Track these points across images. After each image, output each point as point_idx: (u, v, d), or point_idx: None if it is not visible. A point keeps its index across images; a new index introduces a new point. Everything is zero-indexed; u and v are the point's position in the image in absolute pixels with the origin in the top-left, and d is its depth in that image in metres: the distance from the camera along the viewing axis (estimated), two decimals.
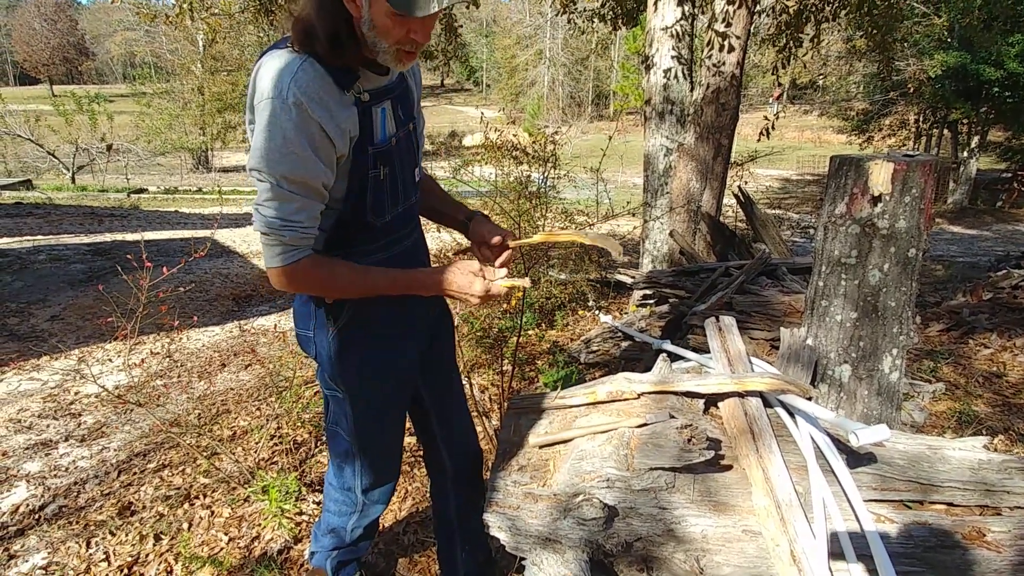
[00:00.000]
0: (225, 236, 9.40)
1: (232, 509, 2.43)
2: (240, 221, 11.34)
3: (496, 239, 1.54)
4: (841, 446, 1.58)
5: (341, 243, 1.35)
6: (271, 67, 1.14)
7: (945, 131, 17.69)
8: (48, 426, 3.37)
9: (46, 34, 51.99)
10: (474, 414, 2.93)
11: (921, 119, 18.49)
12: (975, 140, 16.22)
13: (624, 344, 3.55)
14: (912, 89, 15.48)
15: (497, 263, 1.51)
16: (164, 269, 2.38)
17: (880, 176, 1.79)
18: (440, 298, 1.65)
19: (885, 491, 1.59)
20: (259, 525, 2.31)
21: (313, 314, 1.44)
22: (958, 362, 3.69)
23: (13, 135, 22.23)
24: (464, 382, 3.05)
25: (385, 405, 1.58)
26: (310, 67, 1.14)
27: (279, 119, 1.12)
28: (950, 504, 1.57)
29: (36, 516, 2.52)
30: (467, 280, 1.34)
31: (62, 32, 53.54)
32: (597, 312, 4.23)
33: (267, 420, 3.14)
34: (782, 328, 2.06)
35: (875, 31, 5.57)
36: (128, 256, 2.71)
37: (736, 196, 4.54)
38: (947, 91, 14.69)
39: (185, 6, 5.44)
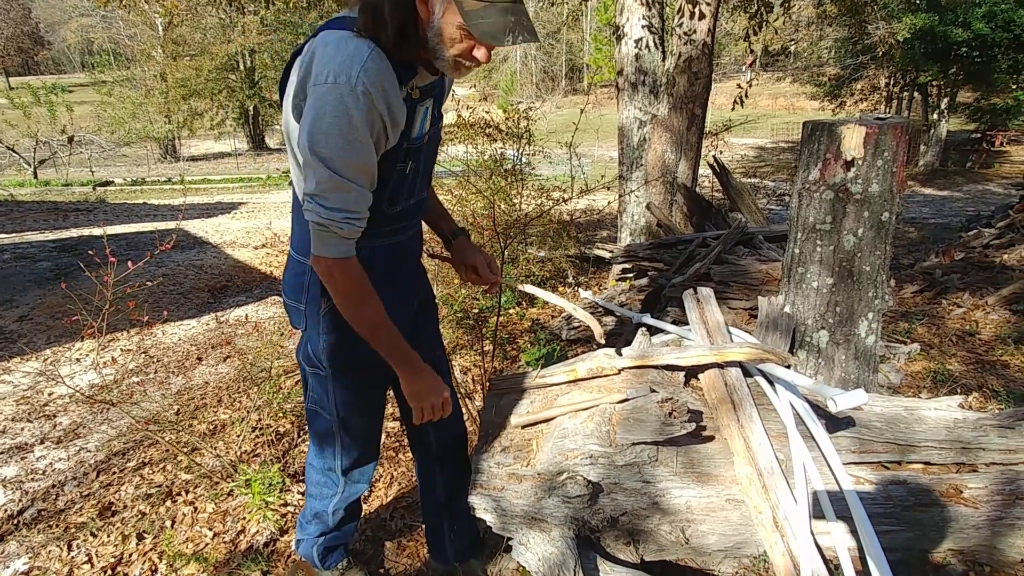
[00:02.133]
0: (196, 227, 9.20)
1: (216, 504, 2.40)
2: (211, 211, 11.11)
3: (478, 262, 1.64)
4: (821, 411, 1.60)
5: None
6: (338, 49, 1.13)
7: (915, 94, 17.86)
8: (23, 429, 3.29)
9: None
10: (457, 396, 2.93)
11: (892, 82, 18.63)
12: (944, 102, 16.41)
13: (605, 319, 3.55)
14: (882, 52, 15.56)
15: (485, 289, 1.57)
16: (130, 264, 2.30)
17: (853, 140, 1.79)
18: (425, 281, 1.69)
19: (864, 453, 1.61)
20: (244, 519, 2.28)
21: (306, 287, 1.42)
22: (932, 322, 3.75)
23: None
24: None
25: (369, 384, 1.58)
26: (379, 57, 1.15)
27: (347, 105, 1.12)
28: (927, 463, 1.60)
29: (15, 521, 2.46)
30: (438, 387, 1.45)
31: (15, 22, 51.33)
32: (577, 288, 4.23)
33: (247, 412, 3.10)
34: (760, 297, 2.06)
35: None
36: (90, 252, 2.62)
37: (711, 166, 4.53)
38: (916, 53, 14.79)
39: None
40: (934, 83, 16.24)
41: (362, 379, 1.55)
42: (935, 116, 16.67)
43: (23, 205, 11.20)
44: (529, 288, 1.74)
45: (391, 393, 1.73)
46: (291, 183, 1.40)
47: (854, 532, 1.44)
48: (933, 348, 3.31)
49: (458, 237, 1.70)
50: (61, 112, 22.43)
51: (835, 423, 1.62)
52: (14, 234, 8.02)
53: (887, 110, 19.28)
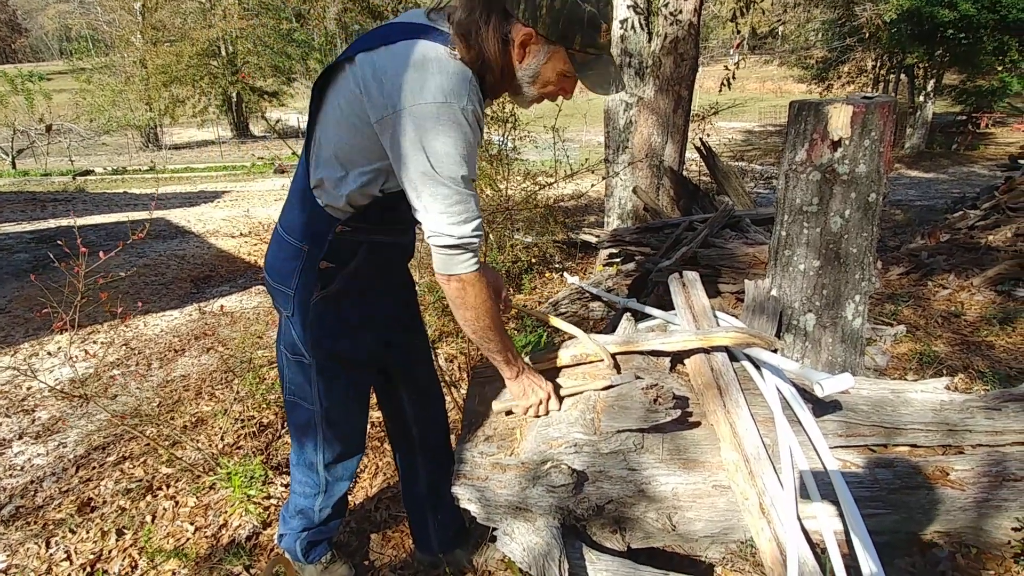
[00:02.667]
0: (179, 216, 9.05)
1: (198, 498, 2.36)
2: (194, 199, 10.94)
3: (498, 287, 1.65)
4: (807, 396, 1.58)
5: (364, 221, 1.36)
6: (444, 69, 1.16)
7: (902, 76, 17.86)
8: (0, 424, 3.22)
9: None
10: (441, 384, 2.89)
11: (878, 64, 18.62)
12: (931, 84, 16.42)
13: (592, 304, 3.52)
14: (869, 34, 15.52)
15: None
16: (101, 254, 2.24)
17: (839, 120, 1.76)
18: (406, 267, 1.68)
19: (851, 437, 1.59)
20: (226, 512, 2.25)
21: (298, 272, 1.39)
22: (918, 304, 3.76)
23: None
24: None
25: (354, 375, 1.55)
26: (476, 86, 1.20)
27: (463, 126, 1.17)
28: (914, 446, 1.59)
29: None
30: (541, 394, 1.52)
31: None
32: (564, 274, 4.19)
33: (230, 404, 3.05)
34: (747, 280, 2.04)
35: None
36: (60, 242, 2.54)
37: (698, 149, 4.49)
38: (903, 35, 14.76)
39: None
40: (920, 65, 16.24)
41: (347, 371, 1.51)
42: (921, 98, 16.68)
43: (1, 196, 10.96)
44: (557, 322, 1.79)
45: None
46: (299, 168, 1.39)
47: (841, 516, 1.43)
48: (919, 330, 3.32)
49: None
50: (39, 100, 21.94)
51: (822, 407, 1.61)
52: None
53: (874, 92, 19.27)
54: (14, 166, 18.62)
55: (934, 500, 1.50)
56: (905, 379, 2.74)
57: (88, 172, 17.23)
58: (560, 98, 1.38)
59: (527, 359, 1.78)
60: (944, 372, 2.78)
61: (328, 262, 1.38)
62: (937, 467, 1.51)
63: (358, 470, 2.44)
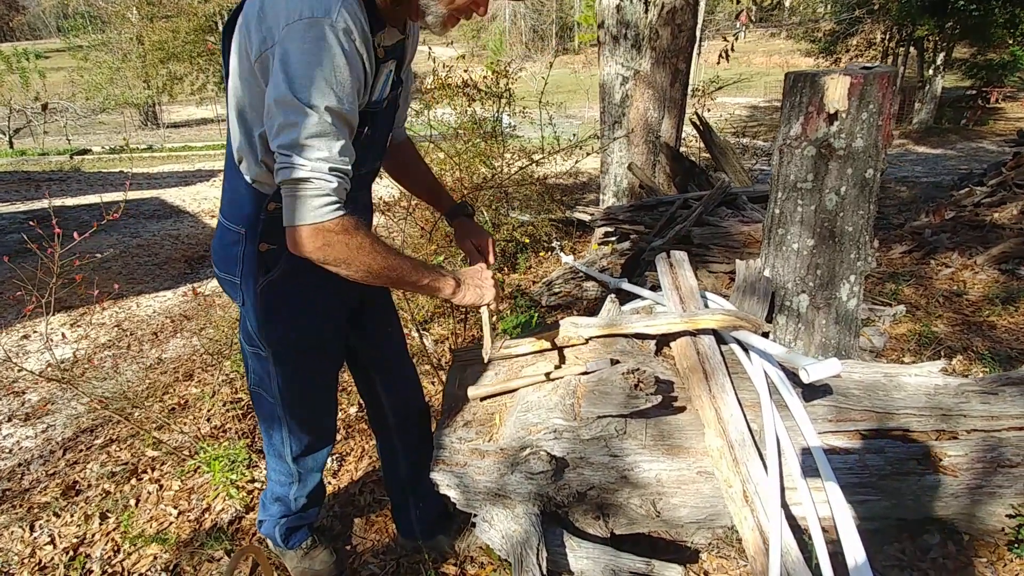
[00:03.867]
0: (174, 195, 8.97)
1: (182, 481, 2.34)
2: (189, 178, 10.84)
3: (482, 243, 1.53)
4: (797, 380, 1.52)
5: None
6: None
7: (911, 49, 17.48)
8: None
9: None
10: (428, 368, 2.85)
11: (888, 37, 18.21)
12: (940, 58, 16.07)
13: (587, 284, 3.46)
14: (878, 6, 15.15)
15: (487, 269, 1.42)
16: (76, 235, 2.18)
17: (836, 91, 1.67)
18: None
19: (841, 422, 1.54)
20: (209, 496, 2.22)
21: (240, 259, 1.28)
22: (919, 283, 3.69)
23: None
24: (416, 335, 2.95)
25: (314, 365, 1.47)
26: (352, 3, 1.03)
27: (329, 42, 0.99)
28: (906, 431, 1.54)
29: None
30: (479, 288, 1.33)
31: None
32: (559, 252, 4.13)
33: (218, 386, 3.02)
34: (737, 260, 1.97)
35: None
36: (32, 223, 2.49)
37: (695, 124, 4.38)
38: (913, 7, 14.40)
39: None
40: (930, 38, 15.88)
41: (306, 360, 1.43)
42: (930, 72, 16.34)
43: None
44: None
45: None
46: (228, 146, 1.26)
47: (828, 503, 1.39)
48: (919, 310, 3.25)
49: (457, 218, 1.59)
50: (34, 79, 21.73)
51: (812, 391, 1.55)
52: None
53: (874, 63, 18.81)
54: (11, 145, 18.51)
55: (926, 486, 1.46)
56: (902, 361, 2.69)
57: (86, 151, 17.13)
58: (476, 15, 1.17)
59: (507, 341, 1.73)
60: (943, 354, 2.72)
61: (267, 243, 1.26)
62: (930, 452, 1.46)
63: (345, 452, 2.41)
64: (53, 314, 2.54)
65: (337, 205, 1.05)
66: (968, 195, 4.84)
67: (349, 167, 1.06)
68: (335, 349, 1.52)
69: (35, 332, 4.17)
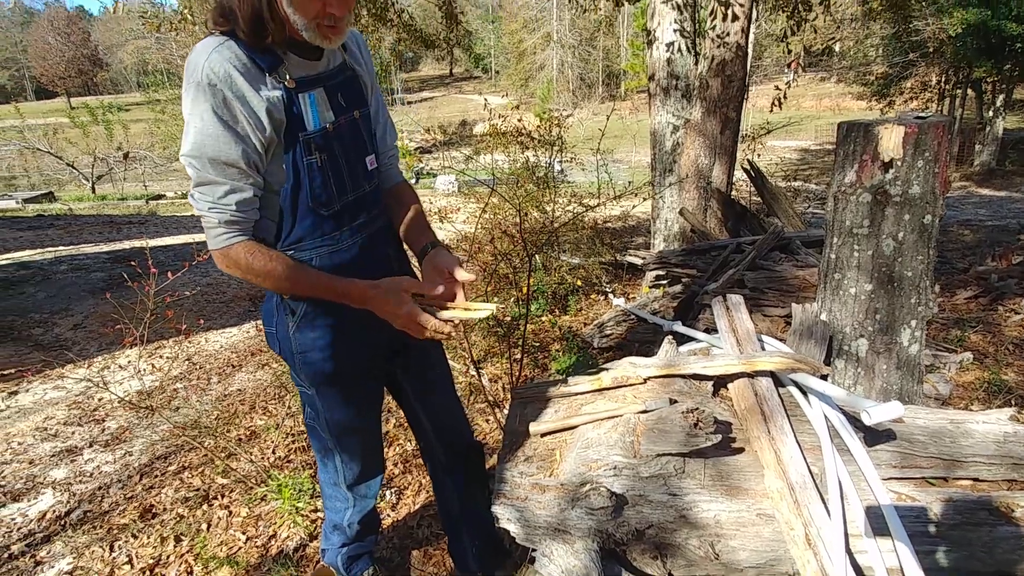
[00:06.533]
0: None
1: (249, 508, 2.45)
2: None
3: (451, 271, 1.38)
4: (858, 424, 1.52)
5: (293, 239, 1.31)
6: (193, 51, 1.15)
7: (969, 91, 17.10)
8: (73, 433, 3.43)
9: (60, 48, 52.84)
10: (483, 405, 2.92)
11: (943, 79, 17.89)
12: (1000, 99, 15.65)
13: (638, 327, 3.49)
14: (932, 49, 14.97)
15: (445, 312, 1.33)
16: (169, 274, 2.38)
17: (891, 141, 1.71)
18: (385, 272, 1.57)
19: (906, 468, 1.53)
20: (275, 523, 2.32)
21: (275, 310, 1.40)
22: (987, 330, 3.56)
23: (33, 149, 22.67)
24: (474, 372, 3.04)
25: (355, 397, 1.53)
26: (226, 48, 1.13)
27: (198, 102, 1.12)
28: (976, 479, 1.51)
29: (62, 522, 2.57)
30: (394, 301, 1.25)
31: (76, 45, 54.36)
32: (610, 295, 4.17)
33: (282, 419, 3.16)
34: (794, 303, 1.99)
35: None
36: (131, 262, 2.72)
37: (746, 170, 4.42)
38: (969, 49, 14.17)
39: (185, 11, 5.45)
40: (988, 79, 15.52)
41: (346, 392, 1.50)
42: (990, 113, 15.91)
43: (80, 218, 11.77)
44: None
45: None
46: None
47: (894, 551, 1.37)
48: (987, 357, 3.14)
49: (435, 248, 1.46)
50: (117, 130, 23.56)
51: (874, 436, 1.55)
52: (72, 246, 8.43)
53: (939, 108, 18.49)
54: (93, 191, 19.99)
55: (997, 538, 1.42)
56: (970, 409, 2.60)
57: (160, 196, 18.32)
58: (335, 20, 1.18)
59: (567, 379, 1.79)
60: (1012, 403, 2.62)
61: None
62: (1001, 503, 1.43)
63: (403, 486, 2.49)
64: (144, 346, 2.74)
65: (229, 234, 1.21)
66: None
67: (236, 207, 1.20)
68: (373, 382, 1.57)
69: (115, 363, 4.46)
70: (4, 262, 7.38)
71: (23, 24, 59.87)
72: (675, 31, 3.96)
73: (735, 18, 3.70)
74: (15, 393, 4.03)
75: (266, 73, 1.18)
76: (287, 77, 1.21)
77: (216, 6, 1.18)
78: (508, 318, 3.84)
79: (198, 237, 9.22)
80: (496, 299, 3.72)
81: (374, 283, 1.28)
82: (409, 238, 1.53)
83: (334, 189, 1.32)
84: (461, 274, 1.37)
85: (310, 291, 1.30)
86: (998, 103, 15.69)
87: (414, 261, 1.58)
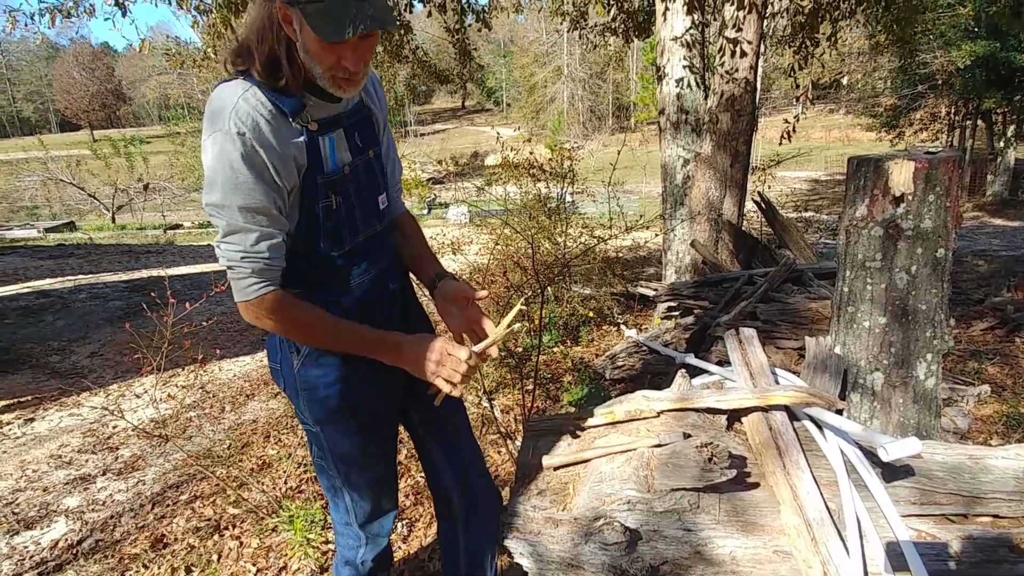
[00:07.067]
0: None
1: (260, 539, 2.45)
2: None
3: (468, 295, 1.44)
4: (875, 459, 1.51)
5: (301, 279, 1.28)
6: (216, 98, 1.15)
7: (979, 122, 17.15)
8: (87, 460, 3.45)
9: (85, 82, 54.58)
10: (495, 436, 2.91)
11: (953, 111, 17.96)
12: (1011, 129, 15.67)
13: (650, 358, 3.48)
14: (941, 81, 15.08)
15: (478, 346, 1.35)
16: (187, 304, 2.43)
17: (901, 176, 1.73)
18: (428, 322, 1.61)
19: (925, 505, 1.51)
20: (286, 555, 2.31)
21: (279, 347, 1.37)
22: (1004, 362, 3.52)
23: (56, 180, 23.28)
24: (486, 404, 3.03)
25: (361, 437, 1.47)
26: (252, 96, 1.13)
27: (226, 151, 1.11)
28: (996, 516, 1.48)
29: (74, 551, 2.57)
30: (426, 345, 1.28)
31: (100, 79, 56.16)
32: (622, 326, 4.17)
33: (295, 448, 3.16)
34: (807, 337, 1.99)
35: (895, 25, 5.45)
36: (151, 294, 2.78)
37: (757, 203, 4.45)
38: (978, 81, 14.26)
39: (209, 50, 5.63)
40: (998, 110, 15.57)
41: (352, 430, 1.44)
42: (1001, 144, 15.91)
43: (100, 248, 12.00)
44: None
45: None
46: None
47: None
48: (1005, 390, 3.09)
49: (444, 279, 1.51)
50: (138, 162, 24.16)
51: (892, 472, 1.53)
52: (91, 275, 8.58)
53: (949, 139, 18.52)
54: (113, 221, 20.41)
55: (1019, 575, 1.39)
56: (989, 443, 2.56)
57: (177, 226, 18.64)
58: (349, 74, 1.17)
59: (580, 412, 1.79)
60: None
61: None
62: (1022, 539, 1.40)
63: (414, 518, 2.47)
64: (162, 372, 2.78)
65: (262, 284, 1.19)
66: None
67: (268, 252, 1.18)
68: (383, 419, 1.51)
69: (130, 391, 4.50)
70: (25, 290, 7.52)
71: (48, 59, 62.01)
72: (684, 67, 4.04)
73: (743, 55, 3.78)
74: (31, 420, 4.07)
75: (290, 117, 1.18)
76: (309, 119, 1.21)
77: (235, 46, 1.18)
78: (520, 349, 3.85)
79: (214, 266, 9.37)
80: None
81: (414, 339, 1.30)
82: (416, 269, 1.56)
83: (347, 231, 1.32)
84: (478, 294, 1.42)
85: (345, 344, 1.28)
86: (1009, 133, 15.71)
87: (420, 291, 1.59)
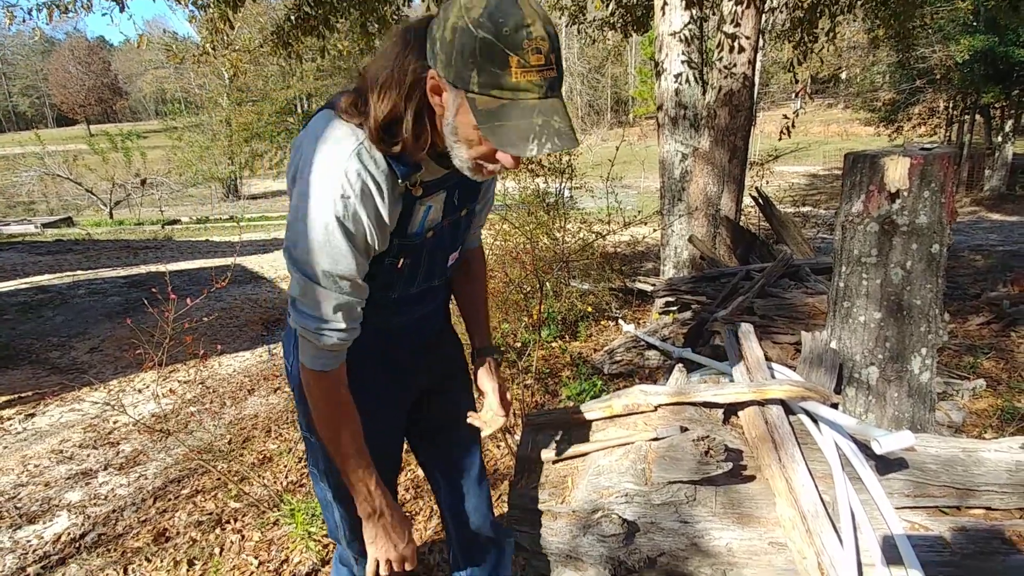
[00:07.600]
0: (253, 262, 9.61)
1: (262, 533, 2.47)
2: (267, 247, 11.60)
3: (488, 388, 1.48)
4: (870, 452, 1.53)
5: None
6: (323, 143, 1.00)
7: (977, 116, 17.16)
8: (88, 455, 3.47)
9: (81, 76, 54.27)
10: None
11: (951, 105, 17.98)
12: (1009, 124, 15.70)
13: (648, 353, 3.51)
14: (940, 76, 15.08)
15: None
16: (188, 300, 2.44)
17: (897, 172, 1.75)
18: (447, 346, 1.53)
19: (919, 497, 1.53)
20: (287, 548, 2.33)
21: (293, 348, 1.24)
22: (1000, 356, 3.54)
23: (53, 175, 23.23)
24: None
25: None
26: (366, 154, 0.99)
27: (324, 208, 0.99)
28: (989, 508, 1.51)
29: (76, 545, 2.59)
30: (403, 534, 1.24)
31: (96, 74, 55.83)
32: (620, 321, 4.20)
33: (295, 443, 3.18)
34: (803, 331, 2.01)
35: (893, 19, 5.45)
36: (152, 289, 2.79)
37: (754, 198, 4.46)
38: (976, 75, 14.27)
39: (208, 46, 5.62)
40: (996, 105, 15.59)
41: None
42: (999, 139, 15.94)
43: (98, 243, 12.00)
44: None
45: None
46: None
47: None
48: (1001, 384, 3.12)
49: (482, 357, 1.49)
50: (135, 157, 24.11)
51: (887, 465, 1.55)
52: (90, 271, 8.58)
53: (947, 133, 18.54)
54: (111, 216, 20.37)
55: (1011, 567, 1.41)
56: (983, 437, 2.58)
57: (175, 221, 18.62)
58: (507, 168, 1.02)
59: (578, 406, 1.81)
60: None
61: None
62: (1014, 531, 1.43)
63: (414, 511, 2.49)
64: (164, 368, 2.79)
65: (324, 360, 1.10)
66: None
67: (343, 323, 1.08)
68: (380, 442, 1.33)
69: (130, 387, 4.52)
70: (24, 286, 7.52)
71: (44, 53, 61.63)
72: (683, 62, 4.04)
73: (741, 50, 3.78)
74: (32, 415, 4.09)
75: (399, 180, 1.04)
76: (417, 182, 1.08)
77: (352, 92, 1.03)
78: (519, 344, 3.86)
79: (213, 262, 9.38)
80: (507, 324, 3.75)
81: (396, 505, 1.25)
82: (469, 323, 1.53)
83: (403, 284, 1.23)
84: (495, 407, 1.47)
85: (343, 457, 1.17)
86: (1007, 128, 15.74)
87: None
